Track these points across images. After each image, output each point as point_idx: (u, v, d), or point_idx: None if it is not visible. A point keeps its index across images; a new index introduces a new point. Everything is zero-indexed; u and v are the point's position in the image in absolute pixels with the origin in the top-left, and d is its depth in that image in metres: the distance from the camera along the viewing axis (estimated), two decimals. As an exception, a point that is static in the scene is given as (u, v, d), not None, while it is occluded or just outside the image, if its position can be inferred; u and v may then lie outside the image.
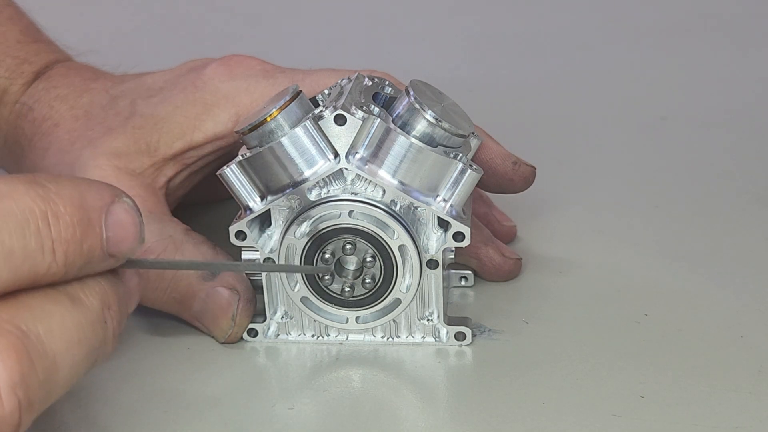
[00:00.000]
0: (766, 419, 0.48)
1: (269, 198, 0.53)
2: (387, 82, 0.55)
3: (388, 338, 0.55)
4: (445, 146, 0.52)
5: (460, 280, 0.59)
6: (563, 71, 0.92)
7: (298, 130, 0.51)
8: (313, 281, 0.53)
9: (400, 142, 0.51)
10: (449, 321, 0.55)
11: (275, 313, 0.55)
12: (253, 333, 0.55)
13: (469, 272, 0.59)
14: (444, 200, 0.52)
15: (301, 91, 0.53)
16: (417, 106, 0.51)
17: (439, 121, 0.51)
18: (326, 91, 0.55)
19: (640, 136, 0.79)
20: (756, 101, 0.83)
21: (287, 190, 0.52)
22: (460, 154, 0.52)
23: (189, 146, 0.59)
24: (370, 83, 0.55)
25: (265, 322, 0.55)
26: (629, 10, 1.05)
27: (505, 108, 0.83)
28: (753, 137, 0.77)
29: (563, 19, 1.03)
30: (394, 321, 0.54)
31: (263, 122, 0.52)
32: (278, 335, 0.55)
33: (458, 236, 0.52)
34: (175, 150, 0.59)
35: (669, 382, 0.51)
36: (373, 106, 0.52)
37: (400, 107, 0.52)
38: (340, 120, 0.51)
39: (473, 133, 0.55)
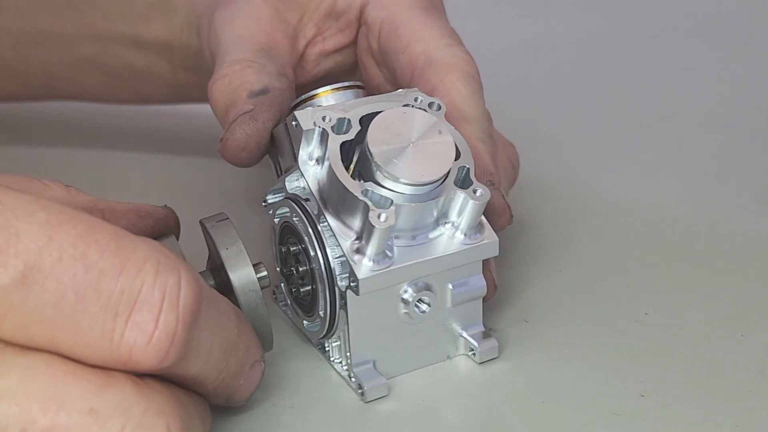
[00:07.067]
0: (766, 419, 0.48)
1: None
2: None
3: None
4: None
5: None
6: (563, 71, 0.92)
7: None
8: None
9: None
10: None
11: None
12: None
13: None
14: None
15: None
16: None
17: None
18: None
19: (640, 136, 0.79)
20: (756, 101, 0.83)
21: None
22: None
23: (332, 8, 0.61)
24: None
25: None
26: (630, 10, 1.05)
27: (506, 107, 0.82)
28: (753, 137, 0.77)
29: (563, 18, 1.04)
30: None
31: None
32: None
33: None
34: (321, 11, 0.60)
35: (669, 381, 0.51)
36: None
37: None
38: None
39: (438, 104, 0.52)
